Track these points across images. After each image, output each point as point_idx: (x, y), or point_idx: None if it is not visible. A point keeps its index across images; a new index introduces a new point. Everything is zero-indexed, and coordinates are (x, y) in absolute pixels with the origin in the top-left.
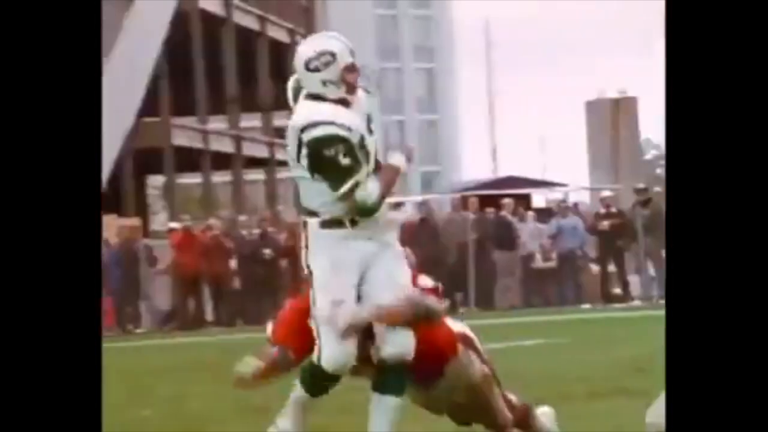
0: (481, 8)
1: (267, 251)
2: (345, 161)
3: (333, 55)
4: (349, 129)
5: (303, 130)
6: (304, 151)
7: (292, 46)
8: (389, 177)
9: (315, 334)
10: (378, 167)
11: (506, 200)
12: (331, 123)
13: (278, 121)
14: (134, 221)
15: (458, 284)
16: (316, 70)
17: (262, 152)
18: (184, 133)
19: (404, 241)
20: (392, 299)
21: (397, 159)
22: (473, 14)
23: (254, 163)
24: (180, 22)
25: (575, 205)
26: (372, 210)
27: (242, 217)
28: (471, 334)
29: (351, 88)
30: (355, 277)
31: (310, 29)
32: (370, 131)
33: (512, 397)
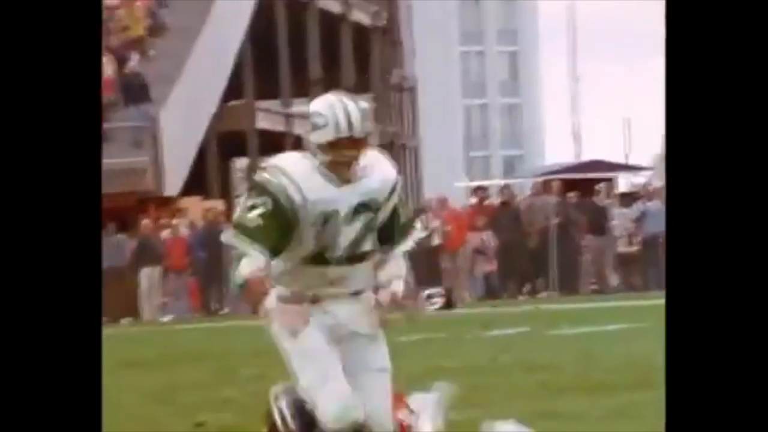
0: None
1: None
2: (251, 223)
3: (326, 120)
4: (304, 194)
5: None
6: None
7: (374, 29)
8: (255, 294)
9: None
10: (357, 258)
11: (600, 185)
12: (284, 174)
13: (361, 104)
14: (219, 204)
15: (540, 269)
16: (309, 126)
17: None
18: (267, 117)
19: (485, 225)
20: (374, 385)
21: (271, 299)
22: None
23: None
24: (265, 6)
25: (659, 189)
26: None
27: None
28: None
29: (333, 164)
30: (327, 344)
31: (392, 13)
32: (350, 222)
33: None
